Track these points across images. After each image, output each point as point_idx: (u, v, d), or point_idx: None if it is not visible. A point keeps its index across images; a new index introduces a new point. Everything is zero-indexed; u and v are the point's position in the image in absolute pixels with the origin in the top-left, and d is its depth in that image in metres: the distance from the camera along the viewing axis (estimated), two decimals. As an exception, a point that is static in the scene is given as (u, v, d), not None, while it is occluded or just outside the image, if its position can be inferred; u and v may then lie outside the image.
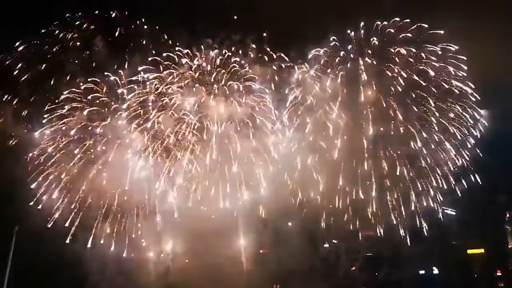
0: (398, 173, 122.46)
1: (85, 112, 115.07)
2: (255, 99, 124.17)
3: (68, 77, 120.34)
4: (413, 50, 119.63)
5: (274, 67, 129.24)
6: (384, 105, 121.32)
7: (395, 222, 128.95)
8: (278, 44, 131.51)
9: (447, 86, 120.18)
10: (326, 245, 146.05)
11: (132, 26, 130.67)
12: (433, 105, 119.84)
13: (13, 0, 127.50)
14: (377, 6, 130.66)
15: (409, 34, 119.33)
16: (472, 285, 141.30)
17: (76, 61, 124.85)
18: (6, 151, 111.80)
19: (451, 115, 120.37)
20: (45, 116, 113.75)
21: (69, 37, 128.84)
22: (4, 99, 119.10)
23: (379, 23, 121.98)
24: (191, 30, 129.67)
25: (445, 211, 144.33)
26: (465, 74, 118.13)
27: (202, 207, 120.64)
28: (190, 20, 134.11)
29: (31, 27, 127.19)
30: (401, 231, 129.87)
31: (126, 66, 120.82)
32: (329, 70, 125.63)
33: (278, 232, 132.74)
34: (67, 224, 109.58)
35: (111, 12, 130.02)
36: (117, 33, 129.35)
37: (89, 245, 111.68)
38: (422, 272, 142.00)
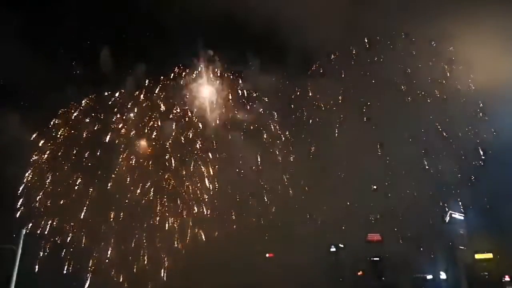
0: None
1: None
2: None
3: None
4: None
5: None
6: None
7: (402, 226, 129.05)
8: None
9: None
10: (333, 249, 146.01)
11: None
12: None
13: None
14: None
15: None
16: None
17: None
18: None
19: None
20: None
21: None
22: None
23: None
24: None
25: (453, 215, 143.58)
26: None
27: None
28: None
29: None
30: (409, 235, 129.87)
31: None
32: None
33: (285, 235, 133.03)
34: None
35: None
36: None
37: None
38: (429, 277, 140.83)
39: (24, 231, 48.70)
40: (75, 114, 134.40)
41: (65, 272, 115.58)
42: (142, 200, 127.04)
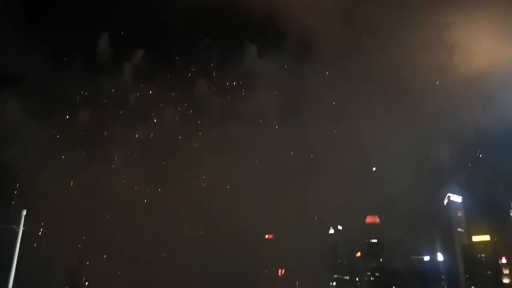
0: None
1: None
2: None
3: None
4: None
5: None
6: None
7: (400, 209, 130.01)
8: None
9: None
10: (331, 231, 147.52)
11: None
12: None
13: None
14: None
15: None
16: (476, 271, 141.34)
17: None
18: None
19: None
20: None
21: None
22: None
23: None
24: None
25: (451, 198, 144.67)
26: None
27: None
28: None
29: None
30: (406, 218, 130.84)
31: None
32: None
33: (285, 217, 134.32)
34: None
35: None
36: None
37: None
38: (426, 258, 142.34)
39: (24, 212, 49.29)
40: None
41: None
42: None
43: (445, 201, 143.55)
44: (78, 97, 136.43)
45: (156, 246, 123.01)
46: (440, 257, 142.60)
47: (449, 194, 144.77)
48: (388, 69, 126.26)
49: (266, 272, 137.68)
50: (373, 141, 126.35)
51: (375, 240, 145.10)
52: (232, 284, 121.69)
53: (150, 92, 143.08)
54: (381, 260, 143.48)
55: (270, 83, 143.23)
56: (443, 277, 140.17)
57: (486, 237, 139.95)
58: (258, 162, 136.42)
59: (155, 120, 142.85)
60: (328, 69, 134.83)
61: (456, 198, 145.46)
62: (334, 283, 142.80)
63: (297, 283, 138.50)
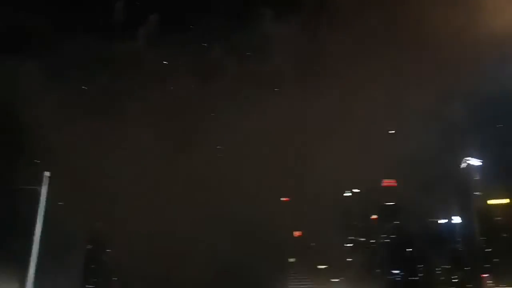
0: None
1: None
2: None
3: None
4: None
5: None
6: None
7: (417, 172, 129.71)
8: None
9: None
10: (347, 194, 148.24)
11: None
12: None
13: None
14: None
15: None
16: (493, 234, 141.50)
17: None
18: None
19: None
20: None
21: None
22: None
23: None
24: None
25: (469, 162, 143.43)
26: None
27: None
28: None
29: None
30: (423, 181, 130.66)
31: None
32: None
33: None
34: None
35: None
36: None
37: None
38: (443, 221, 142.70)
39: (47, 174, 50.92)
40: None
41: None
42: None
43: (463, 164, 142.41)
44: (97, 61, 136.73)
45: (175, 207, 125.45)
46: (456, 219, 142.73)
47: (466, 158, 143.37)
48: (407, 24, 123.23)
49: (281, 234, 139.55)
50: (390, 101, 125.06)
51: (391, 203, 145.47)
52: (247, 247, 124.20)
53: (165, 57, 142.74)
54: (396, 222, 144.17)
55: (285, 47, 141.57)
56: (459, 239, 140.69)
57: (504, 201, 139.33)
58: (273, 126, 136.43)
59: (172, 86, 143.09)
60: (344, 27, 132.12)
61: (474, 161, 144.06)
62: (350, 245, 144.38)
63: (312, 244, 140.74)
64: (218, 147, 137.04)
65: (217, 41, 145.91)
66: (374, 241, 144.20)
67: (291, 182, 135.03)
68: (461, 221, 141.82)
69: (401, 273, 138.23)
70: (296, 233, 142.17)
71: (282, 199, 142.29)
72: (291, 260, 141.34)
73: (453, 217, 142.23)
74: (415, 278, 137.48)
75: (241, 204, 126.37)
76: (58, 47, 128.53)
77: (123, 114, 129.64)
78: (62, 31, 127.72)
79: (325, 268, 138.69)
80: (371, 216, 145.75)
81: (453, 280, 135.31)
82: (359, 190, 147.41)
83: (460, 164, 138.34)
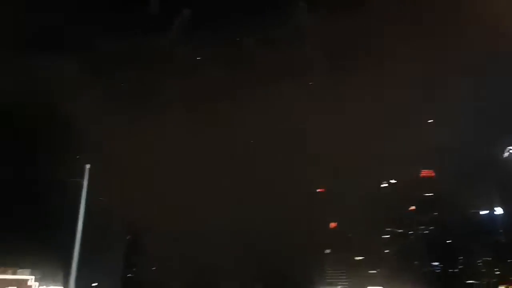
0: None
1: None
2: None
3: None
4: None
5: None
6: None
7: (457, 161, 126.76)
8: None
9: None
10: (384, 185, 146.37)
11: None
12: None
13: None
14: None
15: None
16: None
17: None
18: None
19: None
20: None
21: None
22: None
23: None
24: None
25: (511, 150, 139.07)
26: None
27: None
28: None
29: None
30: (464, 171, 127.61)
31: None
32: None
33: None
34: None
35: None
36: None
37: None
38: (484, 212, 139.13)
39: (88, 166, 52.11)
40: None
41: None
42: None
43: (506, 153, 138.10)
44: (133, 55, 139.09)
45: (211, 199, 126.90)
46: (498, 210, 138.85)
47: (509, 147, 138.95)
48: (446, 14, 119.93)
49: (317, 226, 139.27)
50: (429, 89, 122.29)
51: (430, 194, 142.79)
52: (283, 238, 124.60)
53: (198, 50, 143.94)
54: (435, 213, 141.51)
55: (317, 39, 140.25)
56: (501, 231, 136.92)
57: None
58: (309, 118, 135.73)
59: (205, 78, 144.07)
60: (383, 16, 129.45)
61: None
62: (387, 236, 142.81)
63: (349, 236, 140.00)
64: (251, 141, 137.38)
65: (250, 34, 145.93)
66: (412, 232, 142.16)
67: (327, 173, 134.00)
68: (503, 212, 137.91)
69: (440, 265, 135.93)
70: (332, 225, 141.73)
71: (317, 190, 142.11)
72: (327, 251, 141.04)
73: (495, 208, 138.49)
74: (455, 270, 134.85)
75: (277, 195, 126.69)
76: (96, 43, 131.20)
77: (160, 106, 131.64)
78: (98, 26, 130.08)
79: (361, 259, 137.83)
80: (408, 207, 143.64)
81: (495, 273, 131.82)
82: (396, 181, 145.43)
83: (503, 153, 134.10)
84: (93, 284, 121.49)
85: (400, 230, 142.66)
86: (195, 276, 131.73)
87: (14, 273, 63.42)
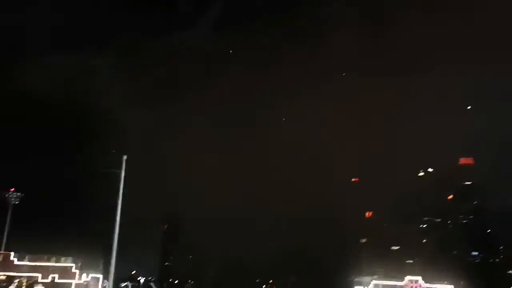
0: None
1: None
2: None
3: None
4: None
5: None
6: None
7: (497, 149, 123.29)
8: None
9: None
10: (421, 173, 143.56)
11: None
12: None
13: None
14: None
15: None
16: None
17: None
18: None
19: None
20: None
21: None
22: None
23: None
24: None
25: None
26: None
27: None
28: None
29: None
30: (504, 159, 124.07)
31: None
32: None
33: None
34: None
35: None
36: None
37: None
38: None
39: (125, 157, 53.29)
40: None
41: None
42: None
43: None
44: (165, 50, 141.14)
45: (247, 189, 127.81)
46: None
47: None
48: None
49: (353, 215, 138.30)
50: (468, 76, 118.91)
51: (469, 182, 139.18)
52: (319, 227, 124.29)
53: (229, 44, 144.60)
54: (475, 202, 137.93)
55: (366, 31, 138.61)
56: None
57: None
58: (346, 108, 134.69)
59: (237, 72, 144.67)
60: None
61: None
62: (425, 226, 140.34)
63: (385, 225, 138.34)
64: (283, 119, 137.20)
65: (281, 29, 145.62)
66: (450, 221, 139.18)
67: (363, 162, 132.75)
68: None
69: (480, 255, 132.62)
70: (368, 214, 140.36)
71: (353, 180, 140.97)
72: (363, 241, 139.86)
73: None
74: (496, 260, 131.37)
75: (312, 185, 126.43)
76: (131, 39, 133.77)
77: (196, 95, 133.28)
78: (133, 23, 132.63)
79: (398, 249, 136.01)
80: (447, 196, 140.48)
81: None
82: (433, 170, 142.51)
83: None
84: (132, 272, 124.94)
85: (438, 219, 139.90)
86: (230, 265, 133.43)
87: (57, 261, 65.86)
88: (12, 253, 66.10)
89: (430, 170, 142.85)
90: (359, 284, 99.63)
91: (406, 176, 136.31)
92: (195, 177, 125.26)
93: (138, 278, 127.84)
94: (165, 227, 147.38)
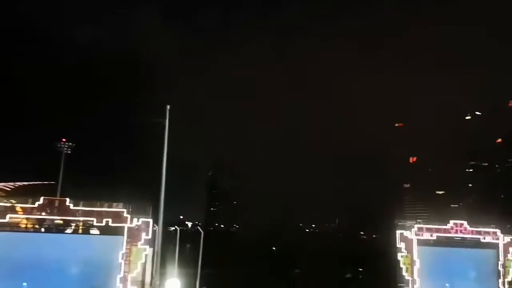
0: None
1: None
2: None
3: None
4: None
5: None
6: None
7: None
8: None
9: None
10: (468, 117, 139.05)
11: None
12: None
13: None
14: None
15: None
16: None
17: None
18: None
19: None
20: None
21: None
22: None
23: None
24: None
25: None
26: None
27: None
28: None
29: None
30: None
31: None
32: None
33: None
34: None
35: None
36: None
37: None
38: None
39: (168, 107, 54.02)
40: None
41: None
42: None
43: None
44: None
45: (292, 136, 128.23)
46: None
47: None
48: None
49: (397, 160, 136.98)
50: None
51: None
52: (361, 172, 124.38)
53: None
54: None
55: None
56: None
57: None
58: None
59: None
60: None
61: None
62: (471, 170, 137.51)
63: (429, 170, 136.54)
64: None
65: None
66: (498, 165, 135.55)
67: (407, 107, 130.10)
68: None
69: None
70: (412, 159, 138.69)
71: (396, 125, 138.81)
72: (406, 185, 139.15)
73: None
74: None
75: (355, 132, 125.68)
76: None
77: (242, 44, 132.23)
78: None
79: (443, 193, 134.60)
80: (495, 140, 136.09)
81: None
82: (481, 113, 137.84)
83: None
84: (180, 216, 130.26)
85: (485, 164, 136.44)
86: (276, 211, 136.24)
87: (109, 207, 69.18)
88: (68, 199, 70.14)
89: (477, 113, 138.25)
90: (403, 227, 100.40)
91: (452, 119, 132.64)
92: (244, 125, 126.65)
93: (186, 223, 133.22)
94: (211, 173, 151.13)
